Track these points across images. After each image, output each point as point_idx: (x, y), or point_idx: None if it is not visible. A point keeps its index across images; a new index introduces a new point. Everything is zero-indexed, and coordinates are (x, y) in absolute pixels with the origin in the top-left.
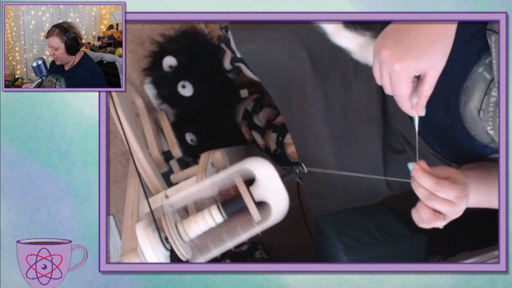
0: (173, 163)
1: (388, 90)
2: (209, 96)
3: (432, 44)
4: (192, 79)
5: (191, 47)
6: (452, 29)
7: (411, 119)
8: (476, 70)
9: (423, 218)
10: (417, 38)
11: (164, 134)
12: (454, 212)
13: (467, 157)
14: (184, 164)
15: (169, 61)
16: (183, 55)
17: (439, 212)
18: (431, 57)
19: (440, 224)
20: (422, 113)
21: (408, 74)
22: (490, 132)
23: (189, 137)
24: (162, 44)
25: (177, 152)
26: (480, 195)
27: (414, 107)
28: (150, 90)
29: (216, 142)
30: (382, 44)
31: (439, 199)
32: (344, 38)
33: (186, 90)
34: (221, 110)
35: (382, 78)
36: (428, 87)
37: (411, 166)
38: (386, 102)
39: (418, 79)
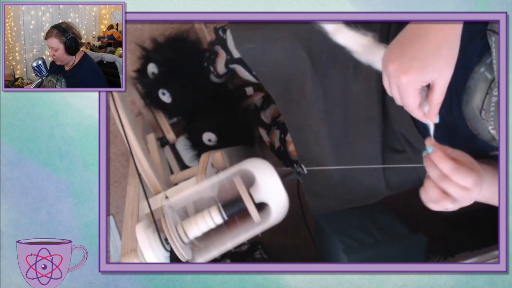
0: (173, 163)
1: (398, 101)
2: (189, 104)
3: (436, 53)
4: (171, 88)
5: (175, 57)
6: (455, 36)
7: (413, 120)
8: (478, 70)
9: (432, 197)
10: (421, 49)
11: (158, 122)
12: (466, 198)
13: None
14: (184, 164)
15: (152, 68)
16: (164, 65)
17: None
18: (436, 67)
19: (449, 206)
20: (436, 120)
21: (415, 85)
22: (492, 131)
23: (207, 137)
24: (147, 51)
25: (172, 137)
26: (493, 189)
27: (427, 114)
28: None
29: (233, 141)
30: (388, 58)
31: (454, 183)
32: (345, 37)
33: (165, 97)
34: (233, 108)
35: (391, 90)
36: (437, 96)
37: (431, 149)
38: (386, 102)
39: (429, 87)
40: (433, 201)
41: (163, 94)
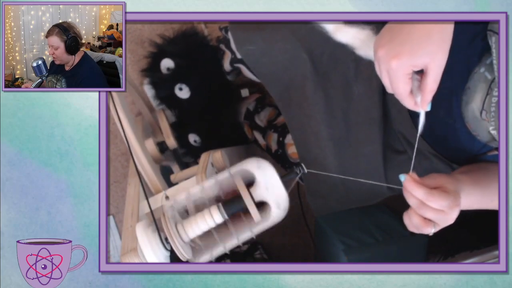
0: (173, 164)
1: (389, 89)
2: (206, 98)
3: (427, 37)
4: (189, 82)
5: (189, 50)
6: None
7: (413, 120)
8: (478, 70)
9: (414, 224)
10: (411, 33)
11: (160, 129)
12: (445, 220)
13: (467, 156)
14: (184, 164)
15: (166, 63)
16: (181, 58)
17: (430, 220)
18: (427, 50)
19: (430, 231)
20: (427, 108)
21: (405, 70)
22: (493, 132)
23: (192, 138)
24: (160, 46)
25: (172, 142)
26: (473, 198)
27: (419, 103)
28: (149, 91)
29: (219, 143)
30: (378, 43)
31: (430, 208)
32: (345, 35)
33: (183, 92)
34: (223, 110)
35: (381, 76)
36: (431, 81)
37: (403, 177)
38: (387, 103)
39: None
40: (415, 227)
41: (180, 89)
